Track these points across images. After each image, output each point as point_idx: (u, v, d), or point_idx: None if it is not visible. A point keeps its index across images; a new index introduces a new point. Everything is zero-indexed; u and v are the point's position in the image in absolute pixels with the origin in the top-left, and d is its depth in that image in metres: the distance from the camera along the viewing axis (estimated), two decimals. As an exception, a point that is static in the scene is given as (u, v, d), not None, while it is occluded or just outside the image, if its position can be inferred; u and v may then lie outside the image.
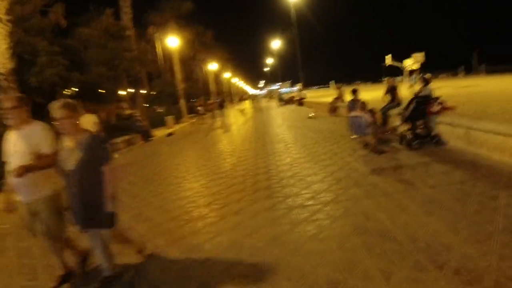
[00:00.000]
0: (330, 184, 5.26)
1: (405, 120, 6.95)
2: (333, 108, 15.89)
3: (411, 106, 6.71)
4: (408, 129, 6.90)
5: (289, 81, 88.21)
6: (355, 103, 9.20)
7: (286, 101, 34.96)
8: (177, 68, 27.09)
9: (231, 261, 3.31)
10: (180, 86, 26.72)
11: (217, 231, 4.04)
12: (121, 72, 14.61)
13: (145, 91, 20.94)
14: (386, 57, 31.34)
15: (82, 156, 2.71)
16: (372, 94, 27.70)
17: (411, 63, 30.63)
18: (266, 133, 12.75)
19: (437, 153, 6.33)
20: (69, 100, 2.87)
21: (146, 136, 15.98)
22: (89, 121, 8.41)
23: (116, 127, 17.63)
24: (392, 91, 9.64)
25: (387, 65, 31.40)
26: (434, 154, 6.23)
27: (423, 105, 6.75)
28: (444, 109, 7.12)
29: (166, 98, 27.17)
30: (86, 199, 2.78)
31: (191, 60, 40.55)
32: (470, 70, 78.15)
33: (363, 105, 7.58)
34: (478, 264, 2.68)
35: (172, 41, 22.63)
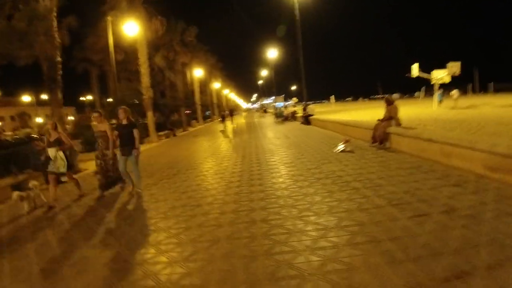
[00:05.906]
0: None
1: None
2: (383, 135, 9.21)
3: None
4: None
5: (283, 95, 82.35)
6: None
7: (286, 117, 28.45)
8: (143, 69, 20.23)
9: None
10: (147, 93, 19.84)
11: None
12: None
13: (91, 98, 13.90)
14: (412, 66, 25.08)
15: None
16: (372, 113, 20.80)
17: (443, 74, 24.45)
18: (266, 204, 5.81)
19: None
20: None
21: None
22: None
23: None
24: None
25: (413, 76, 25.04)
26: None
27: None
28: None
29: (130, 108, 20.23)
30: None
31: (171, 63, 33.79)
32: (473, 88, 73.28)
33: None
34: None
35: (130, 28, 15.69)
